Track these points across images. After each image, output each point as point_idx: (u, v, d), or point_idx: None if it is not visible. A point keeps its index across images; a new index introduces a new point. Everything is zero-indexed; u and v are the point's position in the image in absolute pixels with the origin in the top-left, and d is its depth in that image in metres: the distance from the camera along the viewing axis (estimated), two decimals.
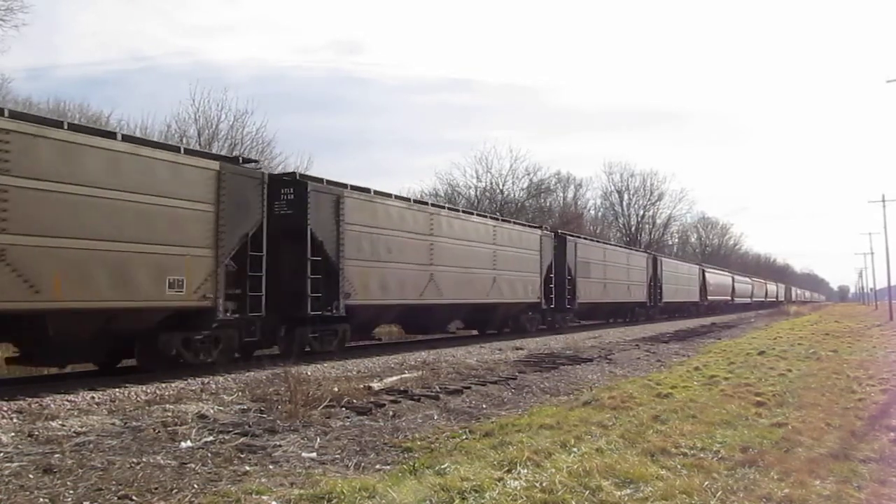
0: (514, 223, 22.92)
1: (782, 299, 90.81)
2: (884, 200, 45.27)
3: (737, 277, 62.01)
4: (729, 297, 56.31)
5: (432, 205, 18.44)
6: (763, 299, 75.88)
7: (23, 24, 28.05)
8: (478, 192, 50.16)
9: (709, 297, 48.31)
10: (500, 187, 51.19)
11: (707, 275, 48.85)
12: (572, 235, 27.73)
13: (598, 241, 32.88)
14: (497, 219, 22.24)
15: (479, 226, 19.77)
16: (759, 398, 8.94)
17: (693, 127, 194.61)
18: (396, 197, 16.51)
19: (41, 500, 4.53)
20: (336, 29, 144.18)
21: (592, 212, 67.59)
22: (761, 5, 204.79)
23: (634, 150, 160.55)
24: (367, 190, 15.29)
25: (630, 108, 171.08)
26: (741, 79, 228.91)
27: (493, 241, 20.07)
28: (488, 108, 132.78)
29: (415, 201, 17.46)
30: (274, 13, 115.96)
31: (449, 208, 20.14)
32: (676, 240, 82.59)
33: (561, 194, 58.57)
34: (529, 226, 24.35)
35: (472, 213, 20.54)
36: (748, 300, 65.98)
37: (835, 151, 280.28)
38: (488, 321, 21.50)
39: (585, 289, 26.56)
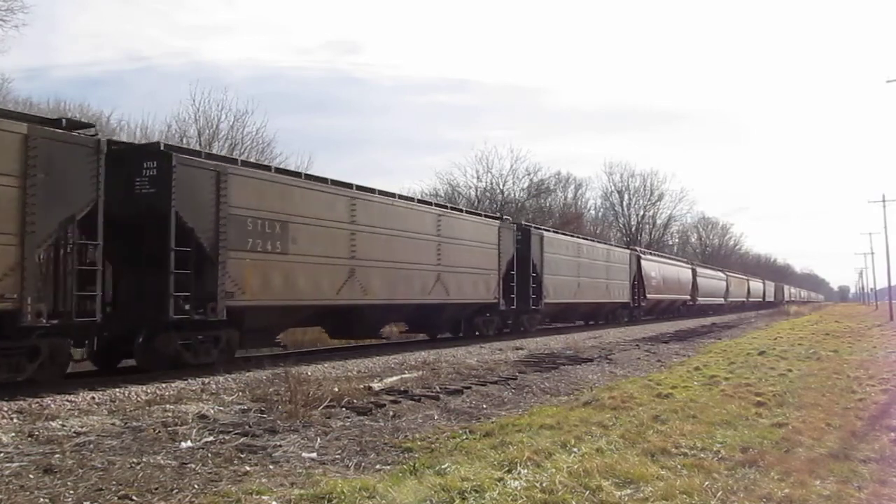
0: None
1: (771, 299, 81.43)
2: (884, 200, 45.54)
3: (702, 271, 48.07)
4: (689, 297, 43.12)
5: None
6: (744, 300, 63.16)
7: (23, 25, 27.93)
8: (478, 192, 50.14)
9: (649, 296, 34.52)
10: (501, 187, 51.20)
11: (645, 264, 34.66)
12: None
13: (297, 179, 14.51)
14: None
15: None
16: (759, 398, 8.94)
17: (693, 127, 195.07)
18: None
19: (41, 500, 4.53)
20: (333, 29, 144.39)
21: (592, 212, 67.52)
22: (761, 5, 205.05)
23: (634, 150, 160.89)
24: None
25: (630, 108, 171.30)
26: (741, 79, 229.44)
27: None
28: (487, 108, 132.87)
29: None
30: (270, 14, 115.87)
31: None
32: (677, 240, 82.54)
33: (561, 194, 58.50)
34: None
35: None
36: (720, 301, 52.52)
37: (835, 151, 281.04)
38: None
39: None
